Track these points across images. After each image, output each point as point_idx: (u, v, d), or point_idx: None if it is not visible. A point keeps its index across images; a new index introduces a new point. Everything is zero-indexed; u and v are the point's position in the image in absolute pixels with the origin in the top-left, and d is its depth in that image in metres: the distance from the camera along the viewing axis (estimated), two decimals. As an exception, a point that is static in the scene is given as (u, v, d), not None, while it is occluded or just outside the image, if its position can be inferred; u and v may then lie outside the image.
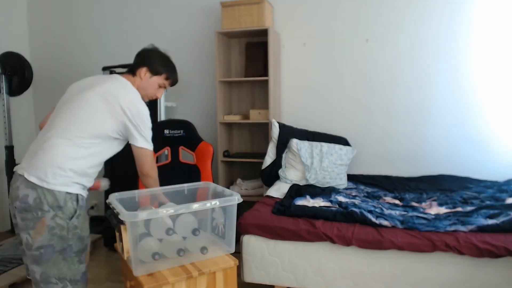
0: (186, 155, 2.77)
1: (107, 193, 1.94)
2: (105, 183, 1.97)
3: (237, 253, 1.75)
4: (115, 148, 1.64)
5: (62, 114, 1.56)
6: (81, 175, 1.53)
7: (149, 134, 1.62)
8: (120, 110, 1.54)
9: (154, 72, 1.69)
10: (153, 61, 1.69)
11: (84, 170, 1.54)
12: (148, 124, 1.62)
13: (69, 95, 1.62)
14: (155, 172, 1.68)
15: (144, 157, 1.61)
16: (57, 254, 1.46)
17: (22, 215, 1.45)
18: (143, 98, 1.68)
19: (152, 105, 3.18)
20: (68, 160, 1.48)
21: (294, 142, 2.90)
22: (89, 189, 1.73)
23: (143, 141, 1.60)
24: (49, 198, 1.44)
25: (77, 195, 1.52)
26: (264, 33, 3.04)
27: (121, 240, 1.50)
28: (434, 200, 2.45)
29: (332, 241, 2.00)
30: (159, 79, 1.71)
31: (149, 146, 1.63)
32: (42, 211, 1.44)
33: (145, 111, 1.60)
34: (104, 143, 1.57)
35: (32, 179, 1.44)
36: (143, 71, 1.68)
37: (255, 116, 3.14)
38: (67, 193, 1.48)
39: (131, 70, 1.71)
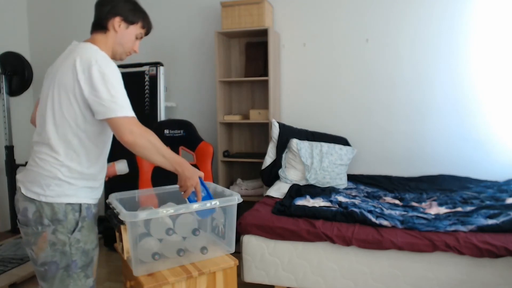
0: (186, 155, 2.77)
1: (108, 193, 1.89)
2: (121, 167, 1.69)
3: (237, 253, 1.75)
4: (107, 132, 1.40)
5: (39, 115, 1.36)
6: (83, 179, 1.35)
7: (123, 98, 1.27)
8: (75, 84, 1.26)
9: (130, 21, 1.42)
10: (125, 8, 1.41)
11: (83, 173, 1.35)
12: (118, 85, 1.28)
13: (43, 87, 1.38)
14: (143, 134, 1.28)
15: (123, 128, 1.25)
16: (61, 271, 1.33)
17: (23, 230, 1.34)
18: (120, 56, 1.46)
19: (152, 105, 3.18)
20: (61, 168, 1.31)
21: (294, 142, 2.90)
22: (107, 177, 1.64)
23: (118, 109, 1.25)
24: (48, 212, 1.30)
25: (80, 204, 1.35)
26: (264, 33, 3.04)
27: (121, 240, 1.50)
28: (434, 200, 2.45)
29: (332, 241, 2.00)
30: (136, 29, 1.44)
31: (128, 112, 1.27)
32: (43, 226, 1.30)
33: (111, 71, 1.27)
34: (91, 135, 1.34)
35: (29, 194, 1.31)
36: (117, 22, 1.39)
37: (255, 116, 3.14)
38: (68, 204, 1.32)
39: (98, 24, 1.41)
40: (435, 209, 2.27)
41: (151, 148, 1.30)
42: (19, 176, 1.37)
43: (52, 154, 1.31)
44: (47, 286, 1.35)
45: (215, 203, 1.52)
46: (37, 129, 1.37)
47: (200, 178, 1.46)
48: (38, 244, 1.31)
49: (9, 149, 3.44)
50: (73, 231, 1.33)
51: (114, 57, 1.46)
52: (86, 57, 1.27)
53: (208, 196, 1.53)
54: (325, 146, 2.89)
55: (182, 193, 1.45)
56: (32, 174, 1.32)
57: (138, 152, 1.29)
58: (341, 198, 2.47)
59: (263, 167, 2.95)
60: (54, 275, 1.33)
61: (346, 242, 1.98)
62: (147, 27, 1.49)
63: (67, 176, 1.32)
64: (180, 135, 2.77)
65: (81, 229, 1.35)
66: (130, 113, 1.28)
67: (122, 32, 1.42)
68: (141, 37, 1.49)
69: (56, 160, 1.31)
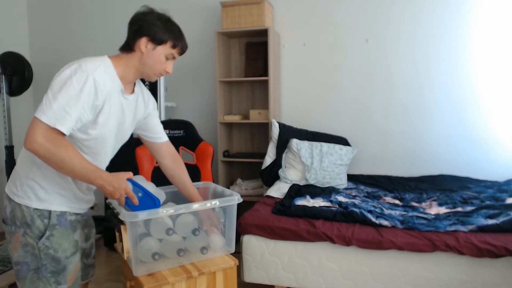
0: (186, 155, 2.77)
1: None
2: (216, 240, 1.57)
3: (237, 253, 1.75)
4: (92, 141, 1.31)
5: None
6: (57, 185, 1.31)
7: (62, 109, 1.16)
8: None
9: (157, 41, 1.32)
10: (153, 27, 1.31)
11: (55, 178, 1.30)
12: (68, 96, 1.17)
13: None
14: (46, 146, 1.14)
15: (31, 131, 1.14)
16: (32, 273, 1.31)
17: (3, 227, 1.35)
18: (149, 77, 1.38)
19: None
20: (32, 167, 1.29)
21: (294, 142, 2.90)
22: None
23: (47, 113, 1.15)
24: (19, 213, 1.29)
25: (49, 211, 1.30)
26: (264, 33, 3.04)
27: (121, 240, 1.50)
28: (434, 200, 2.45)
29: (332, 241, 2.00)
30: (164, 49, 1.34)
31: (51, 122, 1.15)
32: (16, 226, 1.30)
33: (74, 83, 1.20)
34: (75, 141, 1.28)
35: (8, 192, 1.33)
36: (143, 43, 1.31)
37: (255, 116, 3.14)
38: (35, 209, 1.29)
39: (126, 44, 1.35)
40: (435, 209, 2.27)
41: (54, 161, 1.16)
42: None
43: (29, 154, 1.29)
44: (20, 285, 1.34)
45: (215, 203, 1.52)
46: None
47: (129, 180, 1.32)
48: (13, 243, 1.32)
49: (9, 149, 3.43)
50: (41, 237, 1.29)
51: (142, 77, 1.41)
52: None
53: (146, 195, 1.38)
54: (325, 146, 2.89)
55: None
56: (13, 173, 1.36)
57: (45, 162, 1.19)
58: (341, 198, 2.47)
59: (263, 167, 2.95)
60: (25, 275, 1.31)
61: (346, 242, 1.98)
62: (180, 46, 1.37)
63: (38, 176, 1.29)
64: (180, 135, 2.77)
65: (50, 237, 1.30)
66: (54, 123, 1.15)
67: (149, 53, 1.32)
68: (174, 58, 1.38)
69: (31, 160, 1.29)
